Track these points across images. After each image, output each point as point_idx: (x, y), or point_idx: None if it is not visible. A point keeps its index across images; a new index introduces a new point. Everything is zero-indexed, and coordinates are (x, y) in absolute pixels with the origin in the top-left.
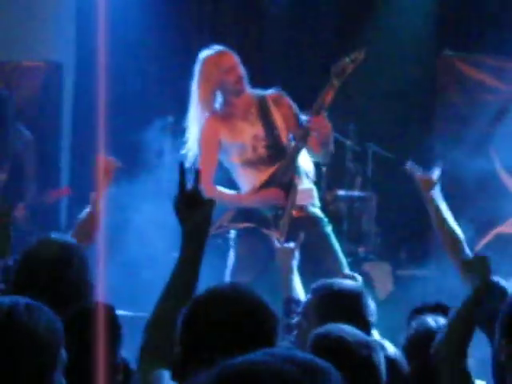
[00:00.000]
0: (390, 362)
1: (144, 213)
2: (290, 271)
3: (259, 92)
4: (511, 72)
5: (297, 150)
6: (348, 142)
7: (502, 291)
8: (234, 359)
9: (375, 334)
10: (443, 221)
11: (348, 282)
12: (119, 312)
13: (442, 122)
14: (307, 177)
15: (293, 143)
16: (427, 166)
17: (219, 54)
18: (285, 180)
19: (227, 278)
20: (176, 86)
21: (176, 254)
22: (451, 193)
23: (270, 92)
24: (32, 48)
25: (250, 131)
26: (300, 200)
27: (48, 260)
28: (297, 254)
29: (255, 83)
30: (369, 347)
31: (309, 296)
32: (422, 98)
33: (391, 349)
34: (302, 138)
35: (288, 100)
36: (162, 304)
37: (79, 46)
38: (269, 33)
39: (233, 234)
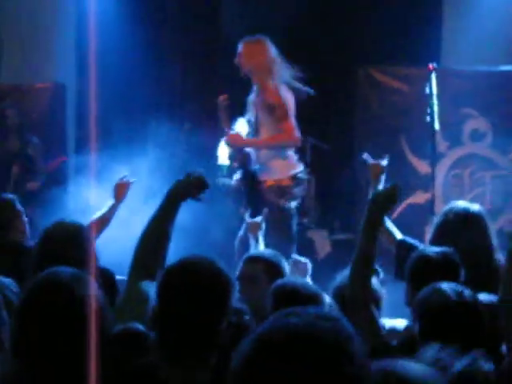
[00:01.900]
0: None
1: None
2: (257, 241)
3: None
4: (414, 77)
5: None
6: None
7: (414, 247)
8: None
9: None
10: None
11: (267, 251)
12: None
13: (362, 121)
14: (277, 154)
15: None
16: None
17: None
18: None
19: None
20: (173, 100)
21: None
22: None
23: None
24: (40, 71)
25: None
26: (263, 175)
27: (65, 239)
28: (263, 225)
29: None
30: (317, 299)
31: (241, 266)
32: (345, 102)
33: (327, 298)
34: None
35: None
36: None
37: (79, 68)
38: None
39: None
